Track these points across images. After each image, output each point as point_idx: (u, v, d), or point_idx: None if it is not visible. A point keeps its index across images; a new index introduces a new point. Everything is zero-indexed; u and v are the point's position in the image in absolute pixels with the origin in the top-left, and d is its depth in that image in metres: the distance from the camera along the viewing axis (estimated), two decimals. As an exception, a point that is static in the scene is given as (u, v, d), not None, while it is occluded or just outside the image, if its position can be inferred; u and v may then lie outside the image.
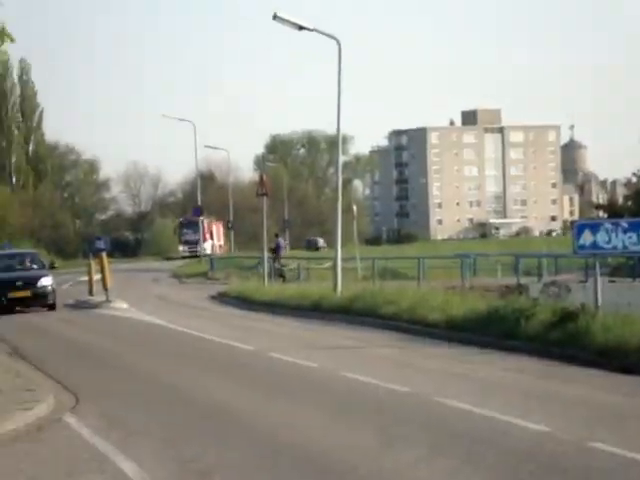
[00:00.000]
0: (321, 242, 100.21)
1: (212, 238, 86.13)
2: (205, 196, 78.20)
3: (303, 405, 13.36)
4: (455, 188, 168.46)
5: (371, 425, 11.70)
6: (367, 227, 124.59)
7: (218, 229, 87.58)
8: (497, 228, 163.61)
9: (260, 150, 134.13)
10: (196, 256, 78.42)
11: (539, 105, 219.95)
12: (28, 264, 34.42)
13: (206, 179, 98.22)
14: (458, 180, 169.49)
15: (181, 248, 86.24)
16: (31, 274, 32.78)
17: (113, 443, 11.36)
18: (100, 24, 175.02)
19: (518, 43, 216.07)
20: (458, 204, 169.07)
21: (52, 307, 32.03)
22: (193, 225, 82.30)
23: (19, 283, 31.79)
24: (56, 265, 38.95)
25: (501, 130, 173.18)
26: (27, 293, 31.60)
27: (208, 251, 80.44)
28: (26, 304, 31.82)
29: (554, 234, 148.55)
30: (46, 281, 32.08)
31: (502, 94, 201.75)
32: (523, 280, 32.83)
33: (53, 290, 32.25)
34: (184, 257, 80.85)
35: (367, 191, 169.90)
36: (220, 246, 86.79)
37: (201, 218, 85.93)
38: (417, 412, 12.52)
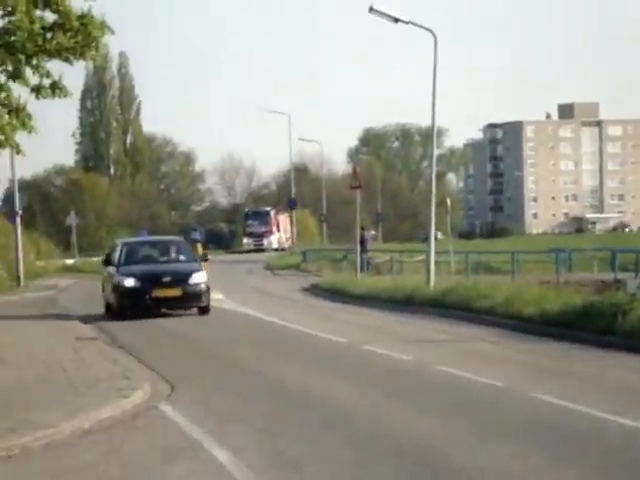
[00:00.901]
0: (439, 235, 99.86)
1: (279, 230, 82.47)
2: (299, 188, 78.07)
3: (397, 398, 13.34)
4: (551, 182, 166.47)
5: (466, 419, 11.64)
6: (461, 221, 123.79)
7: (285, 221, 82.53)
8: (593, 223, 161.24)
9: (354, 143, 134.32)
10: (261, 250, 76.89)
11: (639, 99, 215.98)
12: (174, 255, 28.17)
13: (300, 171, 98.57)
14: (554, 174, 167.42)
15: (245, 241, 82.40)
16: (181, 268, 26.93)
17: (208, 431, 11.47)
18: (198, 17, 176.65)
19: (616, 38, 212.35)
20: (553, 198, 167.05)
21: (205, 310, 26.11)
22: (260, 216, 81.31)
23: (167, 279, 25.88)
24: (209, 257, 32.43)
25: (599, 124, 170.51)
26: (177, 292, 25.68)
27: (274, 245, 79.28)
28: (175, 305, 26.19)
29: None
30: (199, 277, 26.12)
31: (600, 88, 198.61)
32: (620, 275, 32.33)
33: (207, 289, 26.20)
34: (248, 251, 77.69)
35: (461, 184, 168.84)
36: (287, 239, 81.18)
37: (268, 208, 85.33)
38: (512, 407, 12.42)
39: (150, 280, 25.59)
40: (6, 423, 11.79)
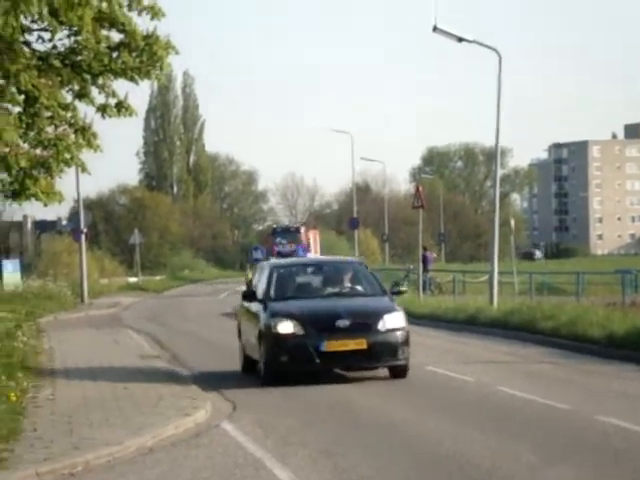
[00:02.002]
0: (538, 254, 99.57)
1: (309, 250, 72.62)
2: (360, 208, 77.82)
3: (460, 419, 13.21)
4: (616, 202, 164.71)
5: (530, 440, 11.48)
6: (525, 241, 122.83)
7: (315, 238, 75.42)
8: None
9: (417, 162, 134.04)
10: None
11: None
12: (351, 284, 18.50)
13: (362, 191, 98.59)
14: (620, 194, 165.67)
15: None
16: (365, 305, 17.65)
17: (269, 451, 11.45)
18: (261, 38, 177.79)
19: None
20: (619, 219, 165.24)
21: (403, 372, 17.10)
22: (290, 234, 71.86)
23: (343, 323, 16.80)
24: (403, 289, 24.64)
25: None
26: (360, 343, 16.56)
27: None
28: (355, 363, 17.03)
29: None
30: (395, 320, 17.01)
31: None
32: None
33: (406, 339, 16.95)
34: None
35: (525, 204, 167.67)
36: None
37: (298, 224, 79.24)
38: (577, 429, 12.22)
39: (319, 325, 16.85)
40: (70, 440, 11.86)
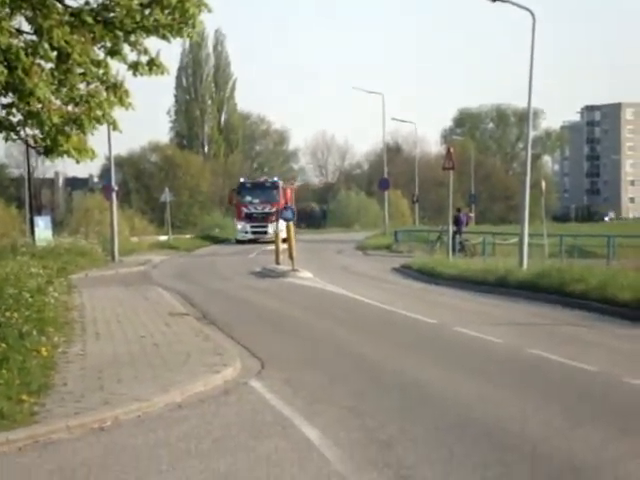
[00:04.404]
0: (611, 214, 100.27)
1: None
2: (391, 169, 77.26)
3: (488, 380, 13.22)
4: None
5: (558, 403, 11.50)
6: (555, 204, 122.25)
7: (292, 197, 63.29)
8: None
9: (448, 124, 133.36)
10: (259, 241, 57.81)
11: None
12: None
13: (392, 152, 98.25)
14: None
15: (239, 227, 60.47)
16: None
17: (297, 409, 11.52)
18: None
19: None
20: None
21: None
22: (264, 191, 59.50)
23: None
24: None
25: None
26: None
27: (283, 234, 52.00)
28: None
29: None
30: None
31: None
32: None
33: None
34: (239, 241, 59.49)
35: (556, 167, 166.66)
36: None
37: (275, 179, 63.73)
38: (606, 392, 12.23)
39: None
40: (100, 395, 11.98)
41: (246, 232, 59.30)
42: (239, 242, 58.96)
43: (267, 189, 59.38)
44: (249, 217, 59.28)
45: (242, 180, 63.63)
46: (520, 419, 10.69)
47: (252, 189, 60.34)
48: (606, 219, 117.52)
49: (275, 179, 63.25)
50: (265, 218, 58.28)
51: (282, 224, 51.53)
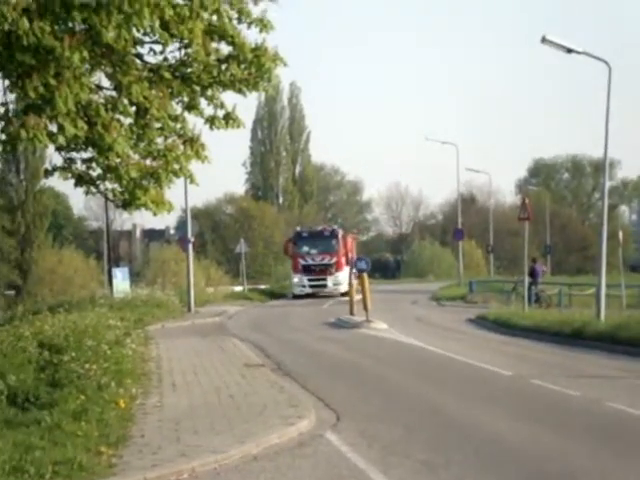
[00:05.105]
0: None
1: (348, 263, 51.13)
2: (465, 219, 77.02)
3: (566, 434, 13.04)
4: None
5: (637, 456, 11.30)
6: (633, 254, 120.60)
7: (352, 247, 58.50)
8: None
9: (522, 174, 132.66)
10: (318, 295, 53.91)
11: None
12: None
13: (467, 202, 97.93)
14: None
15: (296, 280, 55.38)
16: None
17: (372, 462, 11.48)
18: (363, 49, 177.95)
19: None
20: None
21: None
22: (321, 240, 54.95)
23: None
24: None
25: None
26: None
27: (343, 287, 50.95)
28: None
29: None
30: None
31: None
32: None
33: None
34: (296, 296, 54.57)
35: (634, 217, 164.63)
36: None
37: (333, 227, 59.53)
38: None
39: None
40: (176, 447, 12.05)
41: (303, 286, 54.91)
42: (296, 297, 54.56)
43: (325, 238, 55.03)
44: (306, 269, 54.80)
45: (298, 229, 58.97)
46: (599, 475, 10.52)
47: (309, 239, 55.75)
48: None
49: (334, 227, 59.73)
50: (324, 270, 54.43)
51: (345, 275, 50.75)
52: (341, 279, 53.18)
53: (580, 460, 11.32)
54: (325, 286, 54.46)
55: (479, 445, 12.37)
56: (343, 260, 54.21)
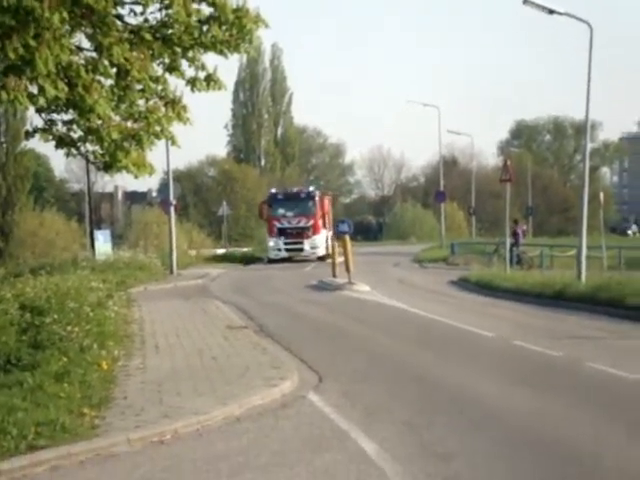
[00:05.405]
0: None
1: (325, 225, 53.61)
2: (447, 181, 76.93)
3: (548, 394, 13.14)
4: None
5: (619, 418, 11.39)
6: (614, 215, 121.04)
7: (330, 209, 57.42)
8: None
9: (504, 136, 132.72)
10: (294, 259, 52.88)
11: None
12: None
13: (449, 164, 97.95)
14: None
15: (271, 244, 53.86)
16: None
17: (355, 422, 11.54)
18: (352, 12, 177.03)
19: None
20: None
21: None
22: (298, 202, 53.17)
23: None
24: None
25: None
26: None
27: (320, 251, 52.38)
28: None
29: None
30: None
31: None
32: None
33: None
34: (272, 260, 53.35)
35: (615, 179, 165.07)
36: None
37: (311, 189, 57.08)
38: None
39: None
40: (159, 409, 12.09)
41: (279, 250, 53.33)
42: (271, 262, 53.00)
43: (302, 200, 53.16)
44: (282, 232, 52.98)
45: (273, 191, 56.61)
46: (578, 433, 10.62)
47: (285, 201, 53.71)
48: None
49: (311, 189, 57.00)
50: (300, 234, 52.75)
51: (322, 239, 51.91)
52: (318, 242, 52.68)
53: (562, 421, 11.41)
54: (302, 250, 53.02)
55: (461, 406, 12.45)
56: (320, 223, 53.17)
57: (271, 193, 55.63)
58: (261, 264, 54.29)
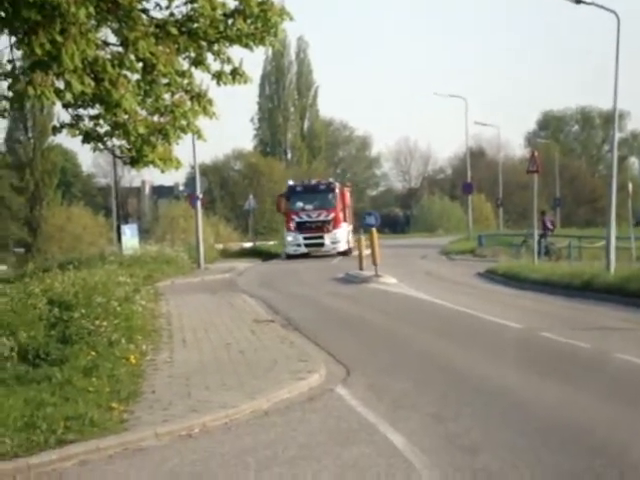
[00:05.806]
0: None
1: (346, 219, 51.90)
2: (474, 173, 76.56)
3: (576, 386, 13.08)
4: None
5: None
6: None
7: (350, 202, 56.30)
8: None
9: (532, 127, 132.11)
10: (314, 255, 50.29)
11: None
12: None
13: (476, 156, 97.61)
14: None
15: (290, 239, 51.24)
16: None
17: (382, 415, 11.54)
18: (376, 3, 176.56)
19: None
20: None
21: None
22: (317, 195, 50.96)
23: None
24: None
25: None
26: None
27: (341, 245, 50.68)
28: None
29: None
30: None
31: None
32: None
33: None
34: (290, 256, 50.73)
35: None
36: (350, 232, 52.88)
37: (330, 180, 54.64)
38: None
39: None
40: (187, 402, 12.12)
41: (298, 245, 50.58)
42: (290, 257, 50.51)
43: (322, 193, 50.68)
44: (301, 227, 50.39)
45: (291, 183, 53.85)
46: (607, 424, 10.57)
47: (304, 193, 51.13)
48: None
49: (331, 180, 54.53)
50: (320, 228, 50.23)
51: (343, 233, 49.74)
52: (339, 237, 50.69)
53: (589, 412, 11.36)
54: (322, 245, 50.56)
55: (488, 398, 12.42)
56: (341, 216, 51.04)
57: (289, 185, 53.26)
58: (278, 259, 52.84)
